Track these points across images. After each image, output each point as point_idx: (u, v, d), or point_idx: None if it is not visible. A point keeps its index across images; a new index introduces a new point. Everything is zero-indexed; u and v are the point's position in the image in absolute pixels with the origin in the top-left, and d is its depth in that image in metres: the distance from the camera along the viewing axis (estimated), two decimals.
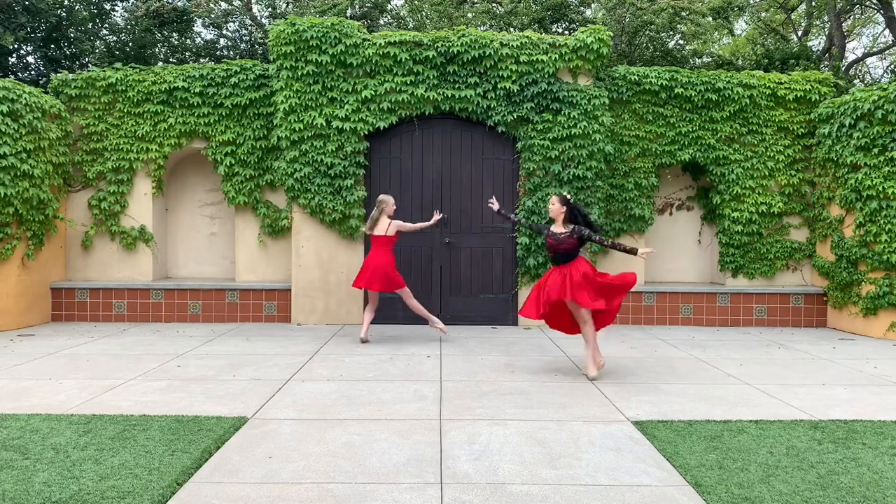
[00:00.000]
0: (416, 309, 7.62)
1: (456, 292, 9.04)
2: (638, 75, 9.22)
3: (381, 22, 18.78)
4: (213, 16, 17.53)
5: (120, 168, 9.20)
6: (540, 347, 7.40)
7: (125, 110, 9.17)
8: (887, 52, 21.07)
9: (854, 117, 8.44)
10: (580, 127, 8.73)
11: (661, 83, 9.14)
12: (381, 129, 8.85)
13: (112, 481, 3.41)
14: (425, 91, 8.75)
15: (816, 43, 21.29)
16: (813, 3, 19.50)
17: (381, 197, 7.50)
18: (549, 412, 4.79)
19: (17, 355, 6.64)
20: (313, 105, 8.76)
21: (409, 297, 7.57)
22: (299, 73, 8.71)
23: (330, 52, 8.69)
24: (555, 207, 5.98)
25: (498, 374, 6.00)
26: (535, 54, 8.77)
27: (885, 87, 8.23)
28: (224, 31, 18.78)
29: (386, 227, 7.37)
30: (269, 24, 16.94)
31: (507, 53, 8.76)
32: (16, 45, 14.24)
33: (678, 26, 16.51)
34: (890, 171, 8.09)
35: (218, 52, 18.21)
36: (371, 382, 5.64)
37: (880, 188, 8.13)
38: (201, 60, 17.88)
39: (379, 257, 7.35)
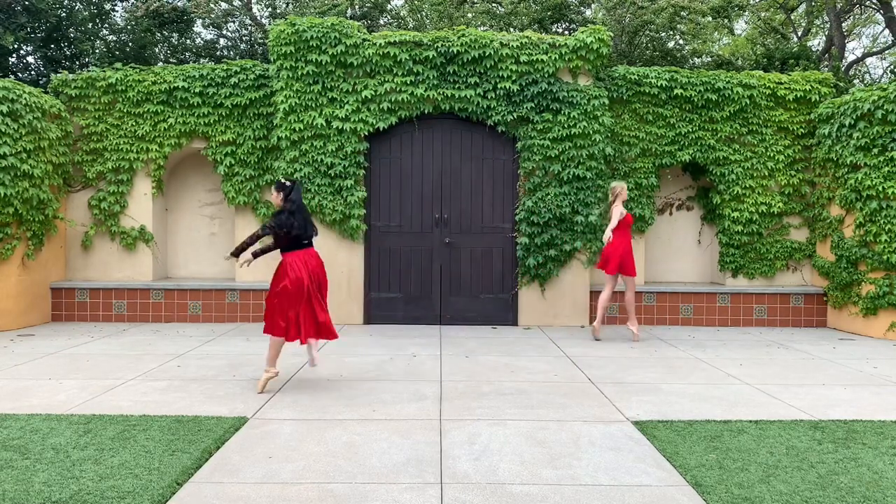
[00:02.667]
0: (629, 303, 7.79)
1: (456, 292, 9.04)
2: (638, 75, 9.22)
3: (381, 22, 18.78)
4: (213, 16, 17.53)
5: (120, 168, 9.19)
6: (540, 347, 7.40)
7: (125, 110, 9.17)
8: (887, 52, 21.07)
9: (854, 117, 8.44)
10: (580, 127, 8.73)
11: (661, 83, 9.14)
12: (381, 129, 8.85)
13: (112, 481, 3.41)
14: (425, 91, 8.75)
15: (816, 43, 21.29)
16: (813, 3, 19.50)
17: (614, 184, 7.72)
18: (549, 412, 4.79)
19: (17, 355, 6.64)
20: (313, 105, 8.76)
21: (631, 289, 7.78)
22: (299, 73, 8.71)
23: (330, 53, 8.69)
24: (273, 196, 5.30)
25: (498, 374, 6.00)
26: (535, 54, 8.77)
27: (885, 87, 8.23)
28: (224, 32, 18.79)
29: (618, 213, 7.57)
30: (269, 24, 16.94)
31: (507, 53, 8.76)
32: (16, 45, 14.24)
33: (678, 26, 16.51)
34: (890, 171, 8.09)
35: (218, 53, 18.21)
36: (371, 382, 5.64)
37: (880, 188, 8.13)
38: (201, 60, 17.88)
39: (625, 242, 7.64)
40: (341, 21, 8.83)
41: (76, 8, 15.64)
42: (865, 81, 21.89)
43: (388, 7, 18.72)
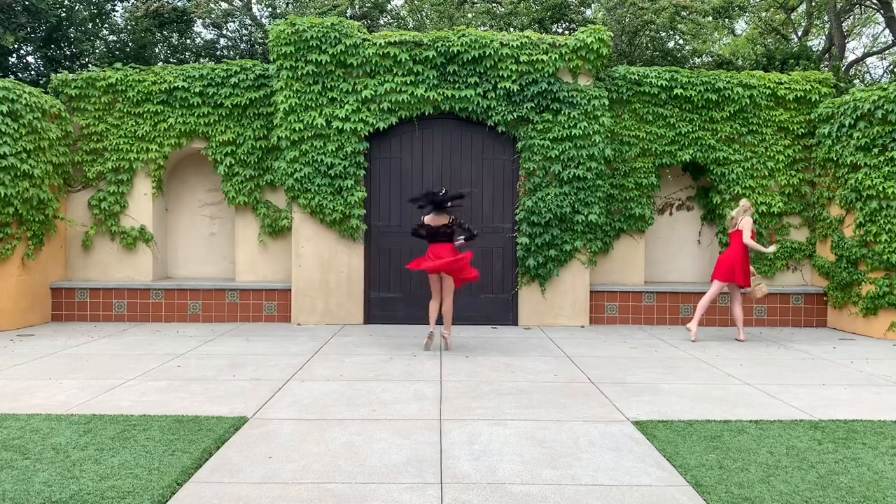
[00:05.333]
0: (734, 315, 8.14)
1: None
2: (638, 75, 9.22)
3: (381, 22, 18.79)
4: (213, 16, 17.54)
5: (120, 168, 9.20)
6: (540, 347, 7.40)
7: (125, 110, 9.17)
8: (887, 52, 21.08)
9: (854, 117, 8.44)
10: (580, 127, 8.73)
11: (661, 83, 9.14)
12: (381, 129, 8.85)
13: (112, 481, 3.41)
14: (425, 91, 8.75)
15: (816, 43, 21.29)
16: (813, 3, 19.50)
17: (745, 201, 8.07)
18: (549, 412, 4.79)
19: (17, 355, 6.63)
20: (313, 105, 8.76)
21: (736, 300, 8.13)
22: (299, 73, 8.71)
23: (330, 52, 8.69)
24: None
25: (498, 374, 6.00)
26: (535, 54, 8.77)
27: (885, 87, 8.23)
28: (224, 31, 18.79)
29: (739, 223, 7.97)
30: (269, 24, 16.94)
31: (507, 53, 8.76)
32: (16, 45, 14.25)
33: (678, 26, 16.51)
34: (890, 171, 8.09)
35: (218, 52, 18.22)
36: (371, 382, 5.64)
37: (880, 188, 8.13)
38: (201, 60, 17.89)
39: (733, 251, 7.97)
40: (341, 21, 8.83)
41: (76, 8, 15.64)
42: (865, 81, 21.89)
43: (388, 7, 18.73)
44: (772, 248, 8.04)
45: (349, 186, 8.78)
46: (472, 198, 9.03)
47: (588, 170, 8.78)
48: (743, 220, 7.88)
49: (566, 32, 17.00)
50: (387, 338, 7.91)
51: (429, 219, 6.99)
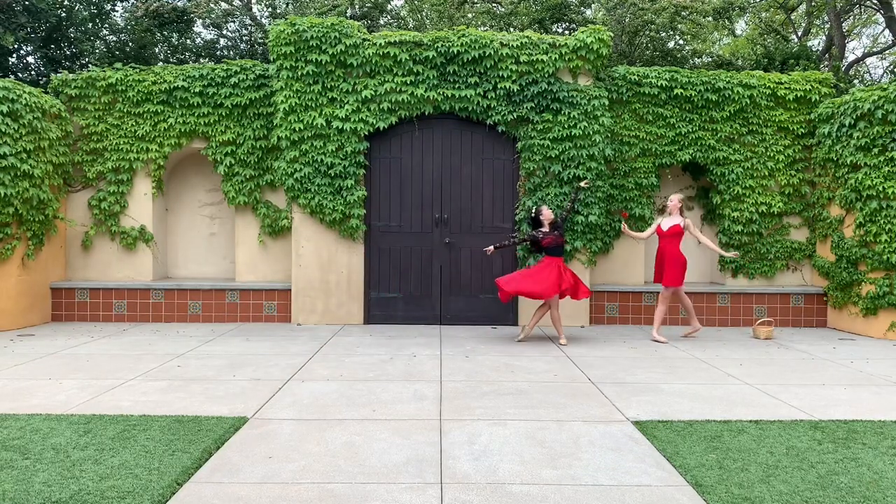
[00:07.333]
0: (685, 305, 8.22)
1: (456, 292, 9.04)
2: (638, 75, 9.22)
3: (381, 22, 18.79)
4: (213, 16, 17.53)
5: (120, 168, 9.20)
6: (540, 347, 7.40)
7: (125, 110, 9.17)
8: (887, 52, 21.08)
9: (854, 117, 8.44)
10: (580, 127, 8.73)
11: (661, 83, 9.14)
12: (381, 129, 8.85)
13: (112, 481, 3.41)
14: (425, 91, 8.75)
15: (816, 43, 21.29)
16: (813, 3, 19.50)
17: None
18: (549, 412, 4.79)
19: (17, 355, 6.64)
20: (313, 105, 8.76)
21: (680, 293, 8.13)
22: (299, 73, 8.71)
23: (330, 52, 8.69)
24: (547, 212, 7.72)
25: (498, 374, 6.00)
26: (535, 54, 8.77)
27: (885, 87, 8.23)
28: (224, 31, 18.79)
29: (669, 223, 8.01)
30: (269, 24, 16.94)
31: (507, 53, 8.76)
32: (16, 45, 14.25)
33: (678, 26, 16.51)
34: (890, 171, 8.09)
35: (218, 52, 18.21)
36: (371, 382, 5.64)
37: (880, 188, 8.13)
38: (201, 60, 17.89)
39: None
40: (341, 21, 8.83)
41: (76, 8, 15.64)
42: (865, 81, 21.89)
43: (388, 7, 18.73)
44: (632, 233, 8.22)
45: (349, 186, 8.78)
46: (472, 197, 9.04)
47: (588, 170, 8.78)
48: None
49: (566, 32, 16.99)
50: (387, 338, 7.91)
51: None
